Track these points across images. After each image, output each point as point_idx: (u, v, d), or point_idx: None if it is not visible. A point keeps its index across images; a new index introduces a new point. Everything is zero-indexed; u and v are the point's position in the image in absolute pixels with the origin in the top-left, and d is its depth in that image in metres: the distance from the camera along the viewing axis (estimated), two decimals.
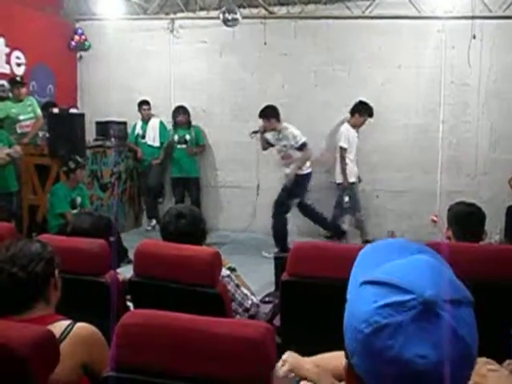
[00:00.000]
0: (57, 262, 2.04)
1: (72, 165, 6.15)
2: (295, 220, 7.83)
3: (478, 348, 0.79)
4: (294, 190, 6.70)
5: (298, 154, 6.62)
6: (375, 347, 0.76)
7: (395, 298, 0.77)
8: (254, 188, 7.99)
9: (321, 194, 7.36)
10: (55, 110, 6.88)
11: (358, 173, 7.06)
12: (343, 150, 6.81)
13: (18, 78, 6.96)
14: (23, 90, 6.87)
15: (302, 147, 6.59)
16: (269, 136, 6.85)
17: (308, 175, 6.81)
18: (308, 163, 6.77)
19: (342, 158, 6.82)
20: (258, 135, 6.86)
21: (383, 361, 0.76)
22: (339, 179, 6.88)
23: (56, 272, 2.03)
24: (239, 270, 3.20)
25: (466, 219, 3.04)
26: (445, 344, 0.74)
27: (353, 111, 6.92)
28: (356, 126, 6.94)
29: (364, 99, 6.88)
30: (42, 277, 1.95)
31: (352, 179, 6.88)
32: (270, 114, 6.73)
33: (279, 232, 6.71)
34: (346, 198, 6.75)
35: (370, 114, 6.89)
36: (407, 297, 0.76)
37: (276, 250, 6.55)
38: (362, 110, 6.85)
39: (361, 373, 0.80)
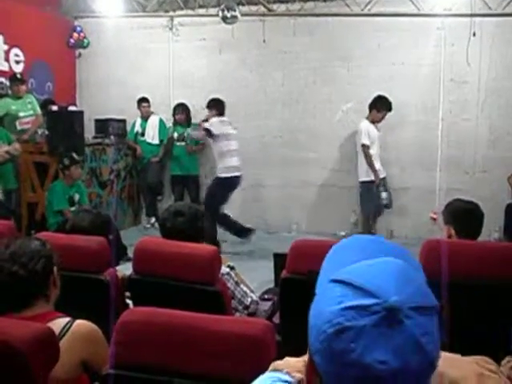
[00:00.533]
0: (56, 260, 2.04)
1: (66, 162, 6.14)
2: (295, 217, 7.86)
3: (438, 357, 0.79)
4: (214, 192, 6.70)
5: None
6: (336, 349, 0.76)
7: (360, 301, 0.76)
8: (254, 185, 7.98)
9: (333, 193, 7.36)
10: (54, 108, 6.87)
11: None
12: (365, 147, 6.63)
13: (18, 75, 6.94)
14: (23, 87, 6.86)
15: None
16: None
17: (227, 179, 6.64)
18: (229, 167, 6.64)
19: (366, 155, 6.62)
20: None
21: (343, 363, 0.76)
22: (363, 177, 6.71)
23: (55, 269, 2.03)
24: (238, 268, 3.20)
25: (467, 217, 3.03)
26: (405, 351, 0.74)
27: (370, 107, 6.76)
28: (375, 122, 6.74)
29: (382, 93, 6.72)
30: (42, 274, 1.95)
31: (382, 175, 6.74)
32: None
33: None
34: (384, 194, 6.62)
35: (389, 109, 6.70)
36: (371, 301, 0.76)
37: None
38: (379, 105, 6.66)
39: (321, 372, 0.80)
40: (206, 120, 6.74)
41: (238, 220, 6.88)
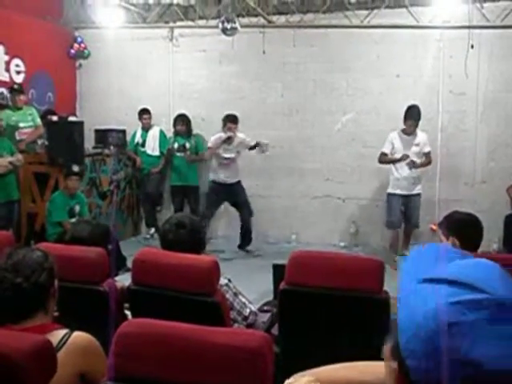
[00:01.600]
0: (55, 272, 2.04)
1: (64, 172, 6.17)
2: (294, 227, 7.86)
3: None
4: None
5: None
6: (444, 346, 0.73)
7: (468, 296, 0.74)
8: (253, 196, 7.98)
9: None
10: (54, 118, 6.89)
11: (408, 184, 6.58)
12: (381, 154, 6.62)
13: (16, 86, 6.96)
14: (22, 98, 6.88)
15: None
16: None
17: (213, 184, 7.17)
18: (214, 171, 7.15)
19: (380, 162, 6.70)
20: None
21: (450, 360, 0.72)
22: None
23: (56, 282, 2.03)
24: (238, 279, 3.19)
25: (469, 229, 3.04)
26: None
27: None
28: (406, 133, 6.55)
29: (413, 103, 6.56)
30: (44, 287, 1.95)
31: (391, 189, 6.64)
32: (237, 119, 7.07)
33: None
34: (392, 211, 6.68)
35: (414, 118, 6.45)
36: (480, 296, 0.74)
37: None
38: (405, 115, 6.50)
39: (417, 376, 0.76)
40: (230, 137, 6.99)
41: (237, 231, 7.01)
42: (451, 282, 0.76)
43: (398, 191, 6.59)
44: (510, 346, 0.72)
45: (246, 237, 7.25)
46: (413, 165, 6.48)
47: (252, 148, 7.16)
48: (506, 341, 0.72)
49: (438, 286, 0.77)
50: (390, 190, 6.67)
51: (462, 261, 0.81)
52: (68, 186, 6.16)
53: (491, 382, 0.71)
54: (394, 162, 6.57)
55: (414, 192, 6.61)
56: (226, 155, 7.06)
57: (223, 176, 7.11)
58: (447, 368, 0.72)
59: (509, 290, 0.75)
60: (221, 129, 7.04)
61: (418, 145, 6.56)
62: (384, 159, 6.64)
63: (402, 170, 6.55)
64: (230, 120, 7.00)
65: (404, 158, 6.48)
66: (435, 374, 0.74)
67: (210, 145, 7.11)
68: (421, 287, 0.79)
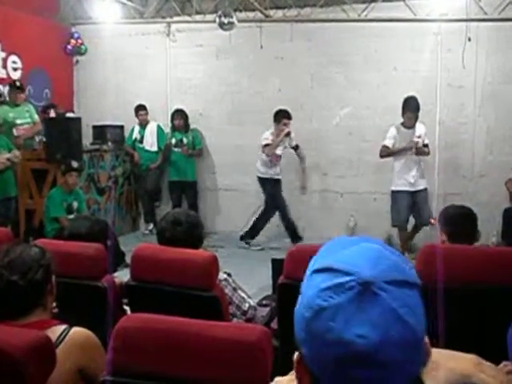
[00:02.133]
0: (53, 269, 2.03)
1: (63, 169, 6.16)
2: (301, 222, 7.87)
3: (424, 331, 0.78)
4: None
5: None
6: (317, 330, 0.77)
7: (335, 280, 0.78)
8: (251, 191, 7.99)
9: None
10: (52, 114, 6.88)
11: (412, 179, 6.40)
12: (382, 147, 6.42)
13: (18, 83, 6.94)
14: (21, 96, 6.86)
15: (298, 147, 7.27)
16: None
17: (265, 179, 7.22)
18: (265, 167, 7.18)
19: (382, 156, 6.49)
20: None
21: (325, 343, 0.76)
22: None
23: (53, 278, 2.02)
24: (237, 273, 3.20)
25: (458, 221, 3.05)
26: (383, 323, 0.74)
27: None
28: (406, 126, 6.38)
29: (410, 94, 6.36)
30: (40, 284, 1.95)
31: (395, 187, 6.46)
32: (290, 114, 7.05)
33: None
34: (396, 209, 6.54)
35: (411, 109, 6.24)
36: (346, 278, 0.77)
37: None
38: (403, 107, 6.31)
39: (308, 363, 0.80)
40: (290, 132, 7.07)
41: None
42: (327, 270, 0.80)
43: (403, 188, 6.39)
44: (373, 324, 0.74)
45: (291, 231, 7.26)
46: (416, 147, 6.26)
47: (294, 148, 7.22)
48: (368, 319, 0.74)
49: (317, 276, 0.81)
50: (394, 188, 6.46)
51: (348, 249, 0.84)
52: (68, 182, 6.16)
53: (361, 359, 0.74)
54: (399, 152, 6.32)
55: (420, 187, 6.45)
56: (278, 152, 7.10)
57: (273, 172, 7.17)
58: (324, 352, 0.76)
59: (377, 270, 0.77)
60: (274, 125, 7.08)
61: (419, 137, 6.38)
62: (386, 152, 6.39)
63: (407, 165, 6.37)
64: (285, 116, 6.98)
65: (409, 147, 6.26)
66: (315, 359, 0.78)
67: (267, 142, 7.01)
68: (309, 278, 0.83)
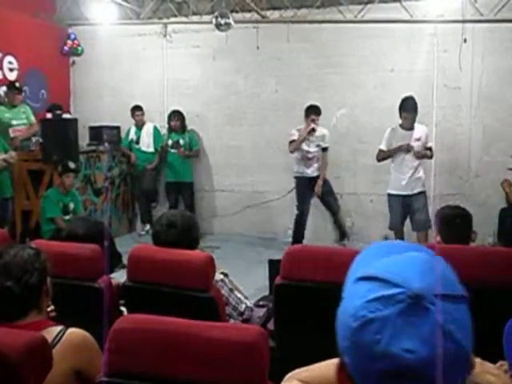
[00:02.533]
0: (48, 270, 2.02)
1: (60, 170, 6.15)
2: (290, 223, 7.87)
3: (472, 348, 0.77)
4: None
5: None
6: (363, 342, 0.75)
7: (384, 291, 0.76)
8: (248, 192, 8.00)
9: None
10: (48, 116, 6.87)
11: (405, 182, 6.11)
12: (378, 151, 6.23)
13: (17, 84, 6.92)
14: (19, 97, 6.86)
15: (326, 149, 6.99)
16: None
17: (299, 179, 7.02)
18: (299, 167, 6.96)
19: (379, 160, 6.30)
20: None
21: (371, 356, 0.74)
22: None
23: (48, 280, 2.01)
24: (233, 274, 3.20)
25: (451, 222, 3.06)
26: (433, 339, 0.73)
27: None
28: (404, 127, 6.13)
29: (407, 94, 6.14)
30: (35, 288, 1.94)
31: (390, 190, 6.23)
32: (320, 112, 6.83)
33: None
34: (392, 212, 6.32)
35: (407, 110, 6.00)
36: (395, 290, 0.75)
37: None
38: (400, 108, 6.07)
39: (351, 371, 0.79)
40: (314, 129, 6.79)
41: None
42: (373, 279, 0.78)
43: (396, 191, 6.17)
44: (422, 338, 0.73)
45: (340, 229, 7.19)
46: (411, 149, 6.01)
47: (324, 150, 6.98)
48: (416, 333, 0.73)
49: (363, 284, 0.79)
50: (389, 191, 6.29)
51: (394, 256, 0.82)
52: (65, 183, 6.15)
53: (408, 374, 0.73)
54: (394, 152, 6.12)
55: (416, 191, 6.12)
56: (309, 149, 6.85)
57: (309, 172, 6.92)
58: (369, 365, 0.75)
59: (426, 282, 0.76)
60: (304, 120, 6.83)
61: (419, 139, 6.09)
62: (382, 155, 6.22)
63: (402, 168, 6.14)
64: (314, 111, 6.76)
65: (404, 147, 6.04)
66: (359, 370, 0.77)
67: (292, 138, 6.80)
68: (353, 287, 0.82)
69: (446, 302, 0.75)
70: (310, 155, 6.87)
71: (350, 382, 0.80)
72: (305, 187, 6.98)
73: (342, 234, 7.25)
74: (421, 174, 6.21)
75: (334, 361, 1.20)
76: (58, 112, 7.05)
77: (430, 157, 6.31)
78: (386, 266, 0.80)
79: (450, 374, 0.74)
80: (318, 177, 6.92)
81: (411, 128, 6.13)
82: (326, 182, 7.03)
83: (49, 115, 7.02)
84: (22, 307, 1.91)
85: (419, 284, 0.75)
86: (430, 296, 0.74)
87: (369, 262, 0.84)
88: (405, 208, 6.18)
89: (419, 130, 6.19)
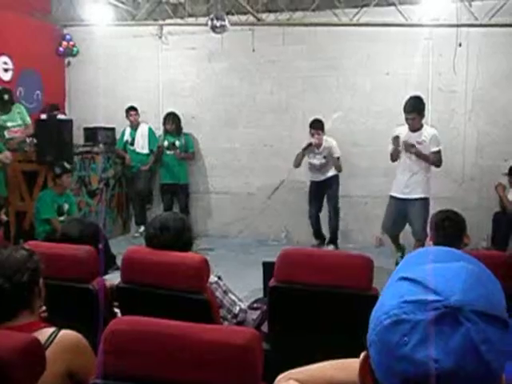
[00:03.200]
0: (41, 270, 2.02)
1: (58, 170, 6.13)
2: (284, 225, 7.87)
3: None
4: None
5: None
6: (390, 341, 0.75)
7: (421, 296, 0.75)
8: (243, 194, 8.00)
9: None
10: (42, 116, 6.85)
11: (402, 186, 5.93)
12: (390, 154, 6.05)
13: (6, 97, 6.82)
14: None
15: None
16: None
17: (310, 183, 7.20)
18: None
19: (392, 161, 6.09)
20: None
21: (395, 356, 0.74)
22: None
23: (41, 281, 2.01)
24: (228, 276, 3.20)
25: (442, 225, 3.07)
26: (460, 354, 0.71)
27: None
28: (411, 129, 5.85)
29: (413, 94, 5.95)
30: (27, 288, 1.94)
31: (391, 191, 6.05)
32: (322, 126, 6.95)
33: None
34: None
35: (406, 110, 5.74)
36: (433, 297, 0.74)
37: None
38: (403, 110, 5.81)
39: (374, 365, 0.79)
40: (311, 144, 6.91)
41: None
42: (415, 281, 0.77)
43: (393, 193, 6.03)
44: (449, 350, 0.71)
45: (332, 231, 7.18)
46: (410, 147, 5.74)
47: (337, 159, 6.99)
48: (445, 344, 0.72)
49: (403, 285, 0.79)
50: (390, 192, 6.11)
51: (441, 264, 0.81)
52: (63, 183, 6.16)
53: (428, 383, 0.72)
54: (394, 153, 5.91)
55: (412, 196, 5.85)
56: (314, 161, 6.98)
57: (319, 177, 7.10)
58: (392, 363, 0.75)
59: (468, 296, 0.74)
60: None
61: (420, 143, 5.77)
62: (391, 157, 6.01)
63: (402, 171, 5.96)
64: (314, 126, 6.89)
65: (394, 141, 5.81)
66: (382, 366, 0.77)
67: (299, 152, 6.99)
68: (395, 284, 0.81)
69: (482, 321, 0.73)
70: (317, 167, 7.03)
71: (371, 375, 0.80)
72: (313, 190, 7.15)
73: (332, 239, 7.19)
74: (421, 178, 5.88)
75: (331, 362, 1.20)
76: (54, 113, 7.04)
77: (433, 162, 5.88)
78: (431, 272, 0.79)
79: None
80: (328, 178, 7.07)
81: (416, 130, 5.81)
82: (336, 186, 7.12)
83: (43, 116, 7.01)
84: (13, 306, 1.91)
85: (459, 296, 0.74)
86: (466, 311, 0.73)
87: (415, 264, 0.83)
88: (400, 211, 5.97)
89: (426, 133, 5.85)
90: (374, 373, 0.79)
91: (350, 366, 1.16)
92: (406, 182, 5.90)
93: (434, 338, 0.72)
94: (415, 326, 0.73)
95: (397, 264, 0.90)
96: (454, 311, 0.72)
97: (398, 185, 5.97)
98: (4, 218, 5.09)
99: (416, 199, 5.85)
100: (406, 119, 5.77)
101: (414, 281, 0.78)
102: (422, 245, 5.80)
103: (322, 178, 7.07)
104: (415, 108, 5.75)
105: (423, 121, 5.92)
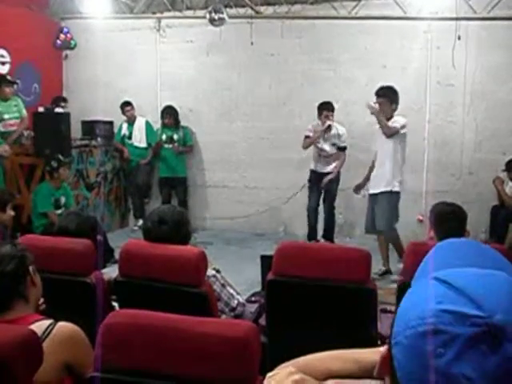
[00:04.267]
0: (30, 259, 2.02)
1: (54, 164, 6.12)
2: (282, 219, 7.87)
3: None
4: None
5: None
6: (422, 349, 0.70)
7: (462, 308, 0.70)
8: (241, 187, 8.00)
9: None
10: (40, 109, 6.83)
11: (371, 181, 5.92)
12: None
13: (9, 77, 6.87)
14: (10, 90, 6.80)
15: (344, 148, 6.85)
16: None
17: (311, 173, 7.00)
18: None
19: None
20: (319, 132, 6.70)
21: (426, 365, 0.69)
22: None
23: (30, 269, 2.01)
24: (226, 270, 3.20)
25: (445, 218, 3.06)
26: (496, 377, 0.67)
27: None
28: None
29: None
30: (14, 276, 1.94)
31: (370, 190, 5.93)
32: (333, 108, 6.73)
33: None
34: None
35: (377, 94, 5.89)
36: (475, 312, 0.69)
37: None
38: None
39: (396, 366, 0.74)
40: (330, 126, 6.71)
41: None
42: (453, 288, 0.73)
43: (370, 190, 5.97)
44: (485, 371, 0.67)
45: (328, 226, 7.01)
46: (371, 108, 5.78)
47: (341, 149, 6.84)
48: (481, 364, 0.67)
49: (439, 287, 0.74)
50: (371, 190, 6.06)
51: (477, 270, 0.76)
52: (61, 176, 6.16)
53: None
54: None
55: (378, 190, 5.72)
56: (324, 146, 6.75)
57: (323, 168, 6.84)
58: (420, 372, 0.70)
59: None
60: (317, 117, 6.74)
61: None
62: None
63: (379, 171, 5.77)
64: (326, 107, 6.66)
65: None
66: (407, 370, 0.72)
67: (306, 134, 6.71)
68: (429, 283, 0.76)
69: None
70: (325, 153, 6.78)
71: (392, 375, 0.76)
72: (313, 181, 6.93)
73: (327, 235, 7.05)
74: (387, 169, 5.67)
75: (328, 352, 1.20)
76: (62, 104, 7.04)
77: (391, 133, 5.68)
78: (472, 279, 0.74)
79: None
80: (330, 172, 6.85)
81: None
82: (336, 183, 6.93)
83: (41, 109, 6.99)
84: (5, 297, 1.91)
85: (503, 316, 0.68)
86: (509, 332, 0.68)
87: (451, 262, 0.79)
88: (371, 208, 5.90)
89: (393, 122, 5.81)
90: (396, 375, 0.74)
91: (347, 355, 1.17)
92: (374, 175, 5.86)
93: (471, 356, 0.67)
94: (453, 340, 0.68)
95: None
96: (496, 332, 0.68)
97: (372, 179, 5.92)
98: (11, 213, 5.06)
99: (378, 194, 5.73)
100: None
101: (453, 287, 0.73)
102: (387, 243, 5.91)
103: (325, 169, 6.85)
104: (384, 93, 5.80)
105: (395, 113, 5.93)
